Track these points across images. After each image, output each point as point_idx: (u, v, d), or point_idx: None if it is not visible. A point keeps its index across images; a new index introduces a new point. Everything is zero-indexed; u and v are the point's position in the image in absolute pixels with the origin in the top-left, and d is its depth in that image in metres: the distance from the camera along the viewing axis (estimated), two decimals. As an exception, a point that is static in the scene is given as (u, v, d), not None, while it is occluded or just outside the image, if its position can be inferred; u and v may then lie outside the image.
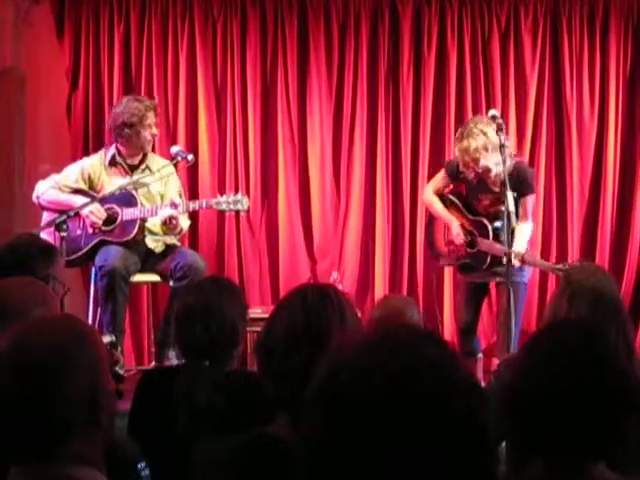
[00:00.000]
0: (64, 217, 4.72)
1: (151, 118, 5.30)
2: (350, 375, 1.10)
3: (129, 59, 6.32)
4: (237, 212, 5.39)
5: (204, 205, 5.29)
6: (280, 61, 6.34)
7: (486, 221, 5.15)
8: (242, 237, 6.32)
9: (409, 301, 3.80)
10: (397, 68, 6.37)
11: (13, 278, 2.64)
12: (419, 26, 6.37)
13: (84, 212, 5.15)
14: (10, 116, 5.79)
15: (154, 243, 5.36)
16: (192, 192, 6.11)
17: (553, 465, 1.65)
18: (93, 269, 5.31)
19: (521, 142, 6.35)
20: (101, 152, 5.49)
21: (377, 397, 1.07)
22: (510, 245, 4.75)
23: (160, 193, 5.40)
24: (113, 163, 5.35)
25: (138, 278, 5.35)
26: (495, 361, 5.06)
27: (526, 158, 6.32)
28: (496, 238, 5.07)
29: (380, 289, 6.27)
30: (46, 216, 5.24)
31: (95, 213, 5.17)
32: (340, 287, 4.71)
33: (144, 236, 5.32)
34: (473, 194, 5.25)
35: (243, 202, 5.20)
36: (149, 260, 5.35)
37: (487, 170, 5.00)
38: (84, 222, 5.23)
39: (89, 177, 5.33)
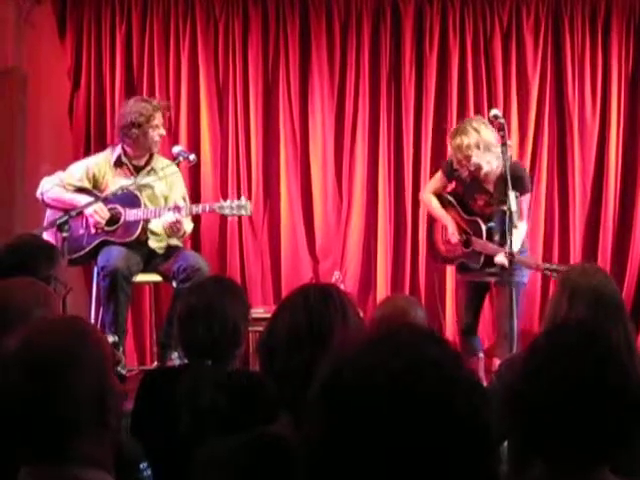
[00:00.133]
0: (66, 217, 4.72)
1: (158, 118, 5.30)
2: (352, 374, 1.10)
3: (131, 59, 6.32)
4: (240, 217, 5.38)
5: (207, 210, 5.31)
6: (282, 60, 6.34)
7: (480, 221, 5.18)
8: (244, 237, 6.32)
9: (413, 301, 3.79)
10: (399, 67, 6.37)
11: (14, 279, 2.64)
12: (421, 25, 6.37)
13: (88, 211, 5.15)
14: (12, 116, 5.79)
15: (157, 244, 5.36)
16: (194, 192, 6.11)
17: (554, 467, 1.64)
18: (95, 269, 5.32)
19: (523, 142, 6.35)
20: (107, 151, 5.49)
21: (379, 396, 1.07)
22: (512, 245, 4.75)
23: (164, 195, 5.40)
24: (119, 163, 5.35)
25: (140, 278, 5.35)
26: (496, 361, 5.06)
27: (528, 158, 6.34)
28: (489, 238, 5.09)
29: (382, 289, 6.27)
30: (48, 214, 5.25)
31: (99, 213, 5.17)
32: (342, 287, 4.71)
33: (147, 237, 5.32)
34: (469, 194, 5.28)
35: (247, 207, 5.21)
36: (152, 261, 5.35)
37: (478, 168, 5.03)
38: (87, 221, 5.23)
39: (94, 176, 5.33)
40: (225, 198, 6.22)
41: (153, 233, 5.33)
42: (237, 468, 1.85)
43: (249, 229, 6.32)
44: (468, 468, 1.08)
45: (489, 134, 4.97)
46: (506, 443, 2.02)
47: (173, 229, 5.14)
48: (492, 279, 5.20)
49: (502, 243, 5.02)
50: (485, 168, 5.03)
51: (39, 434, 1.64)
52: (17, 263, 3.11)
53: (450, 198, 5.38)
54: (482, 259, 5.12)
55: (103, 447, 1.70)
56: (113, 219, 5.22)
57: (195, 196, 5.98)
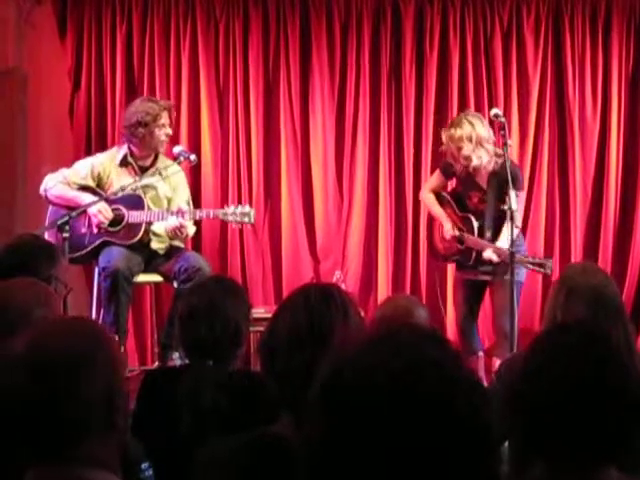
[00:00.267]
0: (66, 218, 4.72)
1: (165, 118, 5.30)
2: (352, 374, 1.10)
3: (131, 59, 6.32)
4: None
5: (211, 215, 5.32)
6: (282, 61, 6.34)
7: (472, 217, 5.22)
8: (245, 237, 6.32)
9: (415, 301, 3.79)
10: (399, 67, 6.37)
11: (15, 279, 2.64)
12: (421, 25, 6.37)
13: (92, 211, 5.15)
14: (12, 116, 5.79)
15: (158, 245, 5.36)
16: (195, 192, 6.10)
17: (555, 466, 1.64)
18: (96, 269, 5.32)
19: (523, 141, 6.35)
20: (112, 150, 5.49)
21: (379, 396, 1.07)
22: (514, 244, 4.76)
23: (167, 197, 5.41)
24: (124, 163, 5.35)
25: (141, 278, 5.35)
26: (496, 361, 5.06)
27: (529, 157, 6.34)
28: (481, 234, 5.10)
29: (383, 288, 6.28)
30: (50, 211, 5.25)
31: (103, 212, 5.17)
32: (343, 287, 4.71)
33: (150, 239, 5.32)
34: (465, 191, 5.33)
35: (250, 215, 5.21)
36: (153, 261, 5.35)
37: (469, 160, 5.07)
38: (90, 220, 5.23)
39: (98, 175, 5.33)
40: (225, 198, 6.26)
41: (155, 234, 5.33)
42: (238, 468, 1.85)
43: (250, 229, 6.32)
44: (468, 468, 1.08)
45: (483, 130, 5.05)
46: (507, 443, 2.02)
47: (176, 233, 5.15)
48: (489, 278, 5.21)
49: (493, 240, 5.04)
50: (475, 162, 5.07)
51: (47, 435, 1.63)
52: (18, 263, 3.11)
53: (447, 196, 5.42)
54: (474, 255, 5.14)
55: (110, 448, 1.69)
56: (116, 220, 5.22)
57: (196, 196, 5.98)
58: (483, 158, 5.06)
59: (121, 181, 5.26)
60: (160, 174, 5.36)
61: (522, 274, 5.11)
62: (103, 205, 5.17)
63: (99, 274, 5.23)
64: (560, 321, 2.80)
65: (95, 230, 5.22)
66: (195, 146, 6.20)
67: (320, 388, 1.13)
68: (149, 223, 5.24)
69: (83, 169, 5.33)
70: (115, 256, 5.11)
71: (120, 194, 5.19)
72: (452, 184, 5.59)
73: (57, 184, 5.25)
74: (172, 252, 5.36)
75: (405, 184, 6.36)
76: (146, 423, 2.95)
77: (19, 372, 1.64)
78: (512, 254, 4.73)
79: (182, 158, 5.33)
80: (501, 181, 4.96)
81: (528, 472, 1.67)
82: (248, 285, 6.18)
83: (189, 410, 2.77)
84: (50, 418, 1.62)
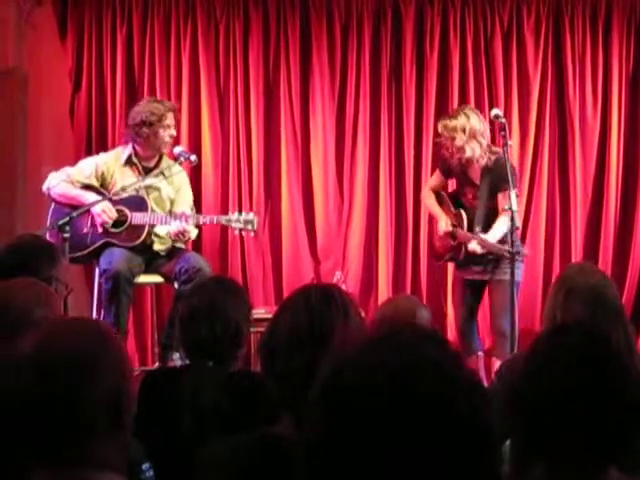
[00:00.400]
0: (67, 218, 4.72)
1: (170, 119, 5.29)
2: (352, 374, 1.10)
3: (132, 60, 6.32)
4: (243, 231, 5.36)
5: (214, 221, 5.31)
6: (283, 62, 6.34)
7: (463, 213, 5.24)
8: (245, 238, 6.30)
9: (417, 301, 3.79)
10: (400, 68, 6.37)
11: (15, 279, 2.64)
12: (422, 26, 6.37)
13: (96, 210, 5.15)
14: (13, 117, 5.79)
15: (160, 246, 5.36)
16: (195, 192, 6.08)
17: (556, 467, 1.64)
18: (97, 269, 5.32)
19: (524, 141, 6.35)
20: (117, 150, 5.49)
21: (379, 396, 1.07)
22: (513, 245, 4.76)
23: (170, 198, 5.41)
24: (129, 163, 5.35)
25: (142, 279, 5.35)
26: (495, 361, 5.06)
27: (529, 157, 6.34)
28: (470, 229, 5.11)
29: (383, 289, 6.27)
30: (52, 210, 5.25)
31: (107, 212, 5.17)
32: (343, 287, 4.72)
33: (152, 241, 5.32)
34: (461, 188, 5.38)
35: (253, 222, 5.21)
36: (154, 262, 5.35)
37: (461, 151, 5.09)
38: (93, 220, 5.22)
39: (102, 174, 5.33)
40: (226, 199, 6.27)
41: (157, 236, 5.33)
42: (238, 468, 1.85)
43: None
44: (469, 468, 1.08)
45: (478, 123, 5.09)
46: (507, 443, 2.02)
47: (179, 237, 5.16)
48: (487, 277, 5.21)
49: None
50: (467, 153, 5.09)
51: (54, 436, 1.62)
52: (18, 263, 3.12)
53: (445, 195, 5.47)
54: (463, 250, 5.17)
55: (117, 449, 1.69)
56: (119, 221, 5.22)
57: (196, 197, 5.97)
58: (476, 151, 5.08)
59: (125, 181, 5.26)
60: (163, 175, 5.36)
61: (520, 274, 5.11)
62: (107, 205, 5.17)
63: (100, 275, 5.23)
64: (560, 321, 2.80)
65: (100, 230, 5.22)
66: (195, 146, 6.20)
67: (320, 388, 1.13)
68: (152, 226, 5.24)
69: (87, 168, 5.33)
70: (116, 258, 5.11)
71: (124, 195, 5.19)
72: (453, 185, 5.60)
73: (60, 182, 5.25)
74: (173, 253, 5.36)
75: (405, 185, 6.36)
76: (146, 424, 2.95)
77: (26, 372, 1.63)
78: (512, 254, 4.73)
79: (182, 159, 5.33)
80: (494, 178, 5.04)
81: (529, 472, 1.66)
82: (248, 286, 6.18)
83: (190, 410, 2.77)
84: (57, 419, 1.61)
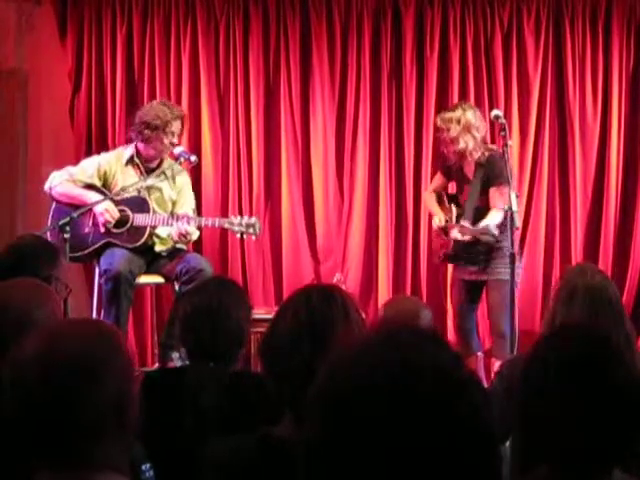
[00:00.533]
0: (67, 219, 4.72)
1: (176, 127, 5.27)
2: (352, 374, 1.10)
3: (132, 60, 6.32)
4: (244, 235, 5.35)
5: (217, 224, 5.31)
6: (283, 62, 6.34)
7: (453, 207, 5.30)
8: (246, 238, 6.31)
9: (419, 302, 3.80)
10: (400, 68, 6.37)
11: (15, 279, 2.64)
12: (421, 26, 6.36)
13: (98, 209, 5.15)
14: (13, 117, 5.80)
15: (161, 247, 5.36)
16: (195, 193, 6.08)
17: (559, 469, 1.63)
18: (97, 269, 5.31)
19: (524, 142, 6.35)
20: (119, 150, 5.49)
21: (379, 396, 1.07)
22: (513, 245, 4.77)
23: (172, 199, 5.41)
24: (131, 162, 5.35)
25: (143, 279, 5.34)
26: (494, 361, 5.07)
27: (529, 158, 6.34)
28: (458, 222, 5.15)
29: (384, 290, 6.27)
30: (53, 209, 5.25)
31: (109, 212, 5.17)
32: (344, 287, 4.72)
33: (154, 242, 5.32)
34: (459, 188, 5.41)
35: (255, 227, 5.21)
36: (155, 262, 5.35)
37: (455, 142, 5.15)
38: (94, 219, 5.22)
39: (105, 174, 5.33)
40: (226, 199, 6.27)
41: (158, 237, 5.32)
42: (238, 469, 1.85)
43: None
44: (469, 468, 1.08)
45: (473, 118, 5.17)
46: (507, 443, 2.02)
47: (181, 239, 5.16)
48: (484, 277, 5.21)
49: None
50: (460, 145, 5.15)
51: (58, 438, 1.61)
52: (18, 263, 3.11)
53: (444, 195, 5.51)
54: (451, 244, 5.23)
55: (122, 451, 1.68)
56: (121, 221, 5.22)
57: (196, 197, 5.96)
58: (469, 144, 5.14)
59: (127, 181, 5.26)
60: (165, 175, 5.36)
61: (517, 273, 5.10)
62: (110, 205, 5.17)
63: (100, 275, 5.23)
64: (560, 323, 2.80)
65: (102, 229, 5.21)
66: (195, 147, 6.20)
67: (320, 388, 1.13)
68: (154, 227, 5.23)
69: (90, 167, 5.33)
70: (117, 258, 5.10)
71: (126, 195, 5.20)
72: (454, 187, 5.60)
73: (62, 182, 5.25)
74: (174, 253, 5.35)
75: (405, 185, 6.36)
76: (146, 424, 2.95)
77: (30, 373, 1.62)
78: (512, 255, 4.74)
79: (182, 159, 5.33)
80: (486, 173, 5.10)
81: (530, 473, 1.66)
82: (248, 286, 6.18)
83: (190, 411, 2.77)
84: (61, 420, 1.60)
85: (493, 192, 5.09)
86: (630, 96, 6.38)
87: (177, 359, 4.94)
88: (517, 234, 5.14)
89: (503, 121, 4.90)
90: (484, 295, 5.39)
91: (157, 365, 5.54)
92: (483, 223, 5.00)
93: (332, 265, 6.34)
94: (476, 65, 6.35)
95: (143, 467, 2.02)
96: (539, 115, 6.37)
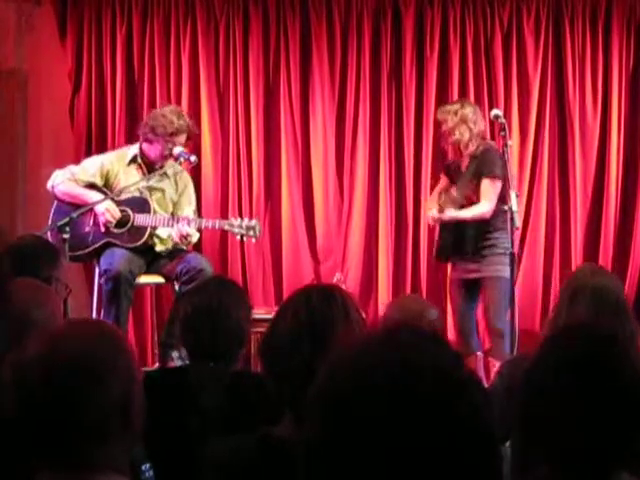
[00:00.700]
0: (67, 219, 4.73)
1: (179, 139, 5.25)
2: (352, 374, 1.10)
3: (131, 60, 6.32)
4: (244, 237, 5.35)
5: (217, 226, 5.31)
6: (283, 62, 6.34)
7: (443, 196, 5.33)
8: (246, 238, 6.31)
9: (424, 302, 3.79)
10: (400, 68, 6.37)
11: (15, 279, 2.64)
12: (421, 26, 6.36)
13: (99, 209, 5.15)
14: (13, 117, 5.80)
15: (161, 247, 5.36)
16: (195, 193, 6.09)
17: (562, 471, 1.63)
18: (97, 269, 5.32)
19: (524, 142, 6.35)
20: (123, 149, 5.49)
21: (379, 396, 1.07)
22: (513, 245, 4.77)
23: (173, 200, 5.41)
24: (134, 162, 5.34)
25: (143, 280, 5.34)
26: (492, 361, 5.07)
27: (529, 158, 6.34)
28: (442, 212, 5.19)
29: (384, 290, 6.27)
30: (54, 208, 5.25)
31: (110, 212, 5.17)
32: (344, 287, 4.72)
33: (154, 243, 5.32)
34: (453, 181, 5.42)
35: (256, 230, 5.22)
36: (155, 262, 5.35)
37: (451, 134, 5.21)
38: (95, 219, 5.22)
39: (107, 173, 5.33)
40: (226, 200, 6.27)
41: (159, 237, 5.32)
42: (238, 469, 1.85)
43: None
44: (469, 468, 1.08)
45: (471, 112, 5.23)
46: (508, 443, 2.01)
47: (182, 241, 5.17)
48: (478, 275, 5.21)
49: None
50: (456, 135, 5.20)
51: (61, 439, 1.61)
52: (18, 264, 3.11)
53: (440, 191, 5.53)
54: (436, 237, 5.36)
55: (125, 453, 1.68)
56: (121, 221, 5.22)
57: (196, 197, 5.96)
58: (465, 135, 5.18)
59: (129, 180, 5.26)
60: (167, 176, 5.36)
61: (507, 271, 5.10)
62: (111, 204, 5.17)
63: (100, 275, 5.23)
64: (565, 322, 2.79)
65: (102, 229, 5.21)
66: (195, 147, 6.19)
67: (319, 388, 1.13)
68: (154, 227, 5.24)
69: (92, 167, 5.33)
70: (117, 258, 5.10)
71: (127, 195, 5.20)
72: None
73: (65, 180, 5.25)
74: (174, 253, 5.35)
75: (405, 185, 6.36)
76: (146, 424, 2.94)
77: (34, 374, 1.62)
78: (512, 255, 4.74)
79: (182, 159, 5.32)
80: (478, 164, 5.14)
81: (531, 474, 1.65)
82: (248, 286, 6.18)
83: (191, 411, 2.77)
84: (65, 422, 1.60)
85: (483, 184, 5.11)
86: (630, 96, 6.38)
87: (177, 359, 4.94)
88: (517, 234, 5.15)
89: (503, 121, 4.91)
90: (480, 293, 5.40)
91: (157, 365, 5.53)
92: (455, 212, 5.09)
93: (332, 265, 6.34)
94: (476, 65, 6.35)
95: (143, 467, 2.02)
96: (539, 115, 6.37)
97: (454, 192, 5.24)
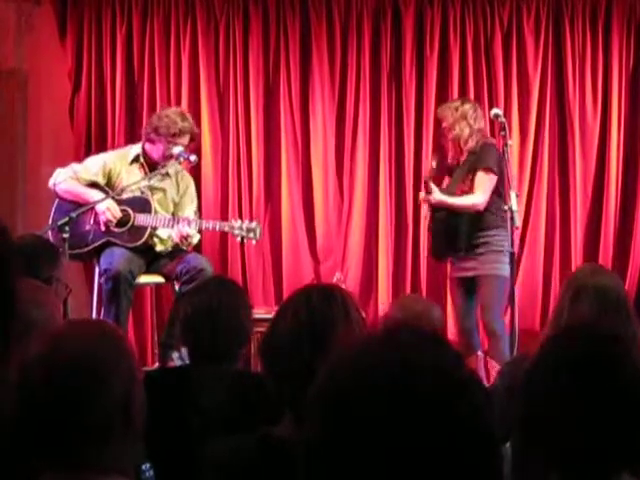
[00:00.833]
0: (66, 219, 4.73)
1: (181, 140, 5.26)
2: (352, 374, 1.10)
3: (131, 60, 6.32)
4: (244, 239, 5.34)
5: (217, 228, 5.31)
6: (283, 62, 6.34)
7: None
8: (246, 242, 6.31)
9: (428, 302, 3.78)
10: (400, 68, 6.37)
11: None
12: (421, 26, 6.37)
13: (100, 208, 5.15)
14: (13, 117, 5.80)
15: (161, 247, 5.36)
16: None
17: (565, 471, 1.62)
18: (97, 269, 5.31)
19: (524, 141, 6.35)
20: (125, 149, 5.49)
21: (379, 397, 1.06)
22: (513, 244, 4.78)
23: (174, 201, 5.41)
24: (136, 161, 5.34)
25: (143, 280, 5.34)
26: (489, 360, 5.07)
27: (529, 157, 6.34)
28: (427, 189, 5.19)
29: (383, 289, 6.27)
30: (56, 207, 5.24)
31: (111, 211, 5.17)
32: (344, 287, 4.72)
33: (154, 243, 5.32)
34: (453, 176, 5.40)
35: (256, 232, 5.22)
36: (155, 262, 5.35)
37: (451, 129, 5.21)
38: (96, 217, 5.22)
39: (109, 172, 5.33)
40: (226, 199, 6.27)
41: (159, 237, 5.32)
42: (238, 469, 1.85)
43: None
44: (470, 468, 1.08)
45: (471, 109, 5.23)
46: (508, 444, 2.01)
47: (182, 242, 5.17)
48: (474, 273, 5.21)
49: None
50: (456, 130, 5.19)
51: (63, 440, 1.60)
52: (19, 264, 3.11)
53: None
54: (428, 214, 5.34)
55: (127, 454, 1.68)
56: (122, 220, 5.22)
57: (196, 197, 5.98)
58: (464, 131, 5.17)
59: (131, 180, 5.26)
60: (169, 176, 5.36)
61: (507, 269, 5.10)
62: (112, 203, 5.17)
63: (100, 275, 5.22)
64: (566, 321, 2.79)
65: (103, 228, 5.21)
66: (195, 147, 6.18)
67: (319, 388, 1.13)
68: (155, 228, 5.24)
69: (94, 165, 5.33)
70: (117, 258, 5.10)
71: (129, 195, 5.20)
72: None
73: (67, 179, 5.25)
74: (174, 253, 5.35)
75: (405, 185, 6.36)
76: (146, 424, 2.94)
77: (36, 374, 1.62)
78: (512, 254, 4.74)
79: (182, 159, 5.32)
80: (475, 158, 5.13)
81: (532, 474, 1.65)
82: (248, 286, 6.18)
83: (191, 411, 2.77)
84: (66, 422, 1.59)
85: (477, 176, 5.11)
86: (630, 95, 6.38)
87: (177, 359, 4.94)
88: (517, 233, 5.15)
89: (503, 120, 4.92)
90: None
91: (157, 365, 5.53)
92: (445, 196, 5.09)
93: (332, 265, 6.34)
94: (476, 65, 6.35)
95: (143, 467, 2.02)
96: (539, 114, 6.37)
97: (448, 183, 5.25)
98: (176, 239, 5.17)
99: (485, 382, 4.28)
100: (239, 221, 5.29)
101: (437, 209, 5.21)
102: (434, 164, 5.28)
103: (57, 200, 5.29)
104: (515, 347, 4.72)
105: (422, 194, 5.25)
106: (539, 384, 1.67)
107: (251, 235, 5.23)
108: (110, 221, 5.18)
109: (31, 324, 2.25)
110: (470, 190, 5.13)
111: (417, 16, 6.37)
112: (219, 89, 6.38)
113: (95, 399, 1.60)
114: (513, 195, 4.75)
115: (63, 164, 5.48)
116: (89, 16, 6.31)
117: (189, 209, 5.42)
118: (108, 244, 5.22)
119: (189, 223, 5.16)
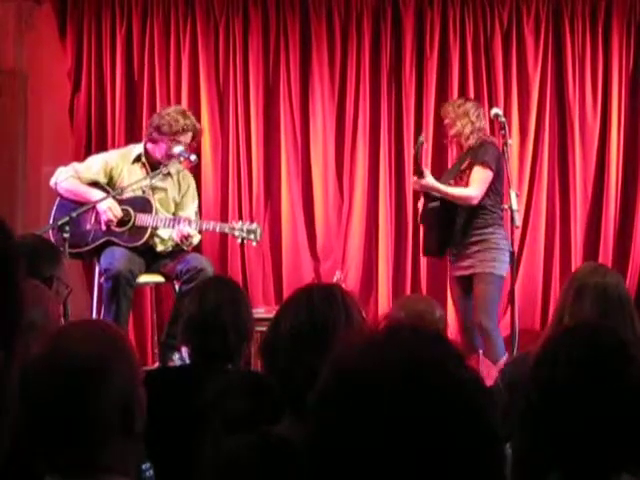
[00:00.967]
0: (67, 219, 4.73)
1: (184, 138, 5.26)
2: (353, 374, 1.10)
3: (131, 60, 6.33)
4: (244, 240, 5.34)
5: (217, 229, 5.31)
6: (282, 62, 6.34)
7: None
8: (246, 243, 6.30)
9: (431, 301, 3.78)
10: (399, 68, 6.37)
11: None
12: (421, 26, 6.37)
13: (101, 207, 5.15)
14: (13, 117, 5.80)
15: (162, 247, 5.36)
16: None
17: (567, 472, 1.62)
18: (97, 268, 5.31)
19: (524, 141, 6.35)
20: (127, 148, 5.49)
21: (380, 397, 1.06)
22: (513, 244, 4.78)
23: (175, 200, 5.41)
24: (138, 161, 5.34)
25: (143, 279, 5.34)
26: (483, 359, 5.07)
27: (529, 157, 6.34)
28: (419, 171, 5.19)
29: (383, 289, 6.27)
30: (57, 206, 5.24)
31: (112, 210, 5.17)
32: (344, 286, 4.71)
33: (154, 242, 5.32)
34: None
35: (257, 233, 5.22)
36: (155, 261, 5.35)
37: (453, 126, 5.24)
38: (97, 217, 5.22)
39: (111, 171, 5.33)
40: (226, 199, 6.27)
41: (159, 237, 5.32)
42: (238, 469, 1.85)
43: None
44: (471, 469, 1.08)
45: (472, 108, 5.27)
46: (509, 444, 2.01)
47: (182, 242, 5.17)
48: (472, 271, 5.21)
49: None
50: (457, 126, 5.22)
51: (65, 441, 1.60)
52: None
53: None
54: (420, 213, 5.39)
55: (128, 455, 1.67)
56: (123, 220, 5.22)
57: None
58: (466, 128, 5.20)
59: (132, 179, 5.26)
60: (170, 175, 5.36)
61: (504, 268, 5.10)
62: (113, 203, 5.17)
63: (100, 275, 5.22)
64: (568, 320, 2.79)
65: (104, 228, 5.21)
66: (195, 146, 6.19)
67: (321, 388, 1.13)
68: (155, 228, 5.24)
69: (96, 165, 5.33)
70: (117, 258, 5.10)
71: (130, 195, 5.20)
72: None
73: (68, 178, 5.25)
74: (174, 253, 5.35)
75: (405, 184, 6.36)
76: (146, 423, 2.94)
77: (37, 374, 1.61)
78: (512, 254, 4.74)
79: (182, 158, 5.32)
80: (473, 154, 5.15)
81: (534, 474, 1.65)
82: (248, 286, 6.18)
83: (191, 410, 2.76)
84: (69, 423, 1.60)
85: (474, 171, 5.11)
86: (630, 96, 6.38)
87: (177, 359, 4.94)
88: (517, 233, 5.15)
89: (503, 119, 4.93)
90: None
91: (157, 365, 5.53)
92: (438, 183, 5.11)
93: (332, 264, 6.34)
94: (476, 65, 6.35)
95: (143, 467, 2.02)
96: (539, 114, 6.37)
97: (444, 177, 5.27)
98: (177, 239, 5.18)
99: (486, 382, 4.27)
100: (239, 222, 5.29)
101: (431, 200, 5.20)
102: (421, 139, 5.26)
103: (58, 199, 5.29)
104: (515, 347, 4.72)
105: (414, 178, 5.24)
106: (541, 384, 1.66)
107: (251, 237, 5.22)
108: (111, 221, 5.18)
109: (28, 323, 2.24)
110: (467, 186, 5.13)
111: (417, 16, 6.37)
112: (219, 89, 6.38)
113: (95, 399, 1.60)
114: (513, 194, 4.76)
115: (63, 164, 5.48)
116: (89, 16, 6.31)
117: (190, 208, 5.42)
118: (108, 244, 5.22)
119: (190, 223, 5.17)
